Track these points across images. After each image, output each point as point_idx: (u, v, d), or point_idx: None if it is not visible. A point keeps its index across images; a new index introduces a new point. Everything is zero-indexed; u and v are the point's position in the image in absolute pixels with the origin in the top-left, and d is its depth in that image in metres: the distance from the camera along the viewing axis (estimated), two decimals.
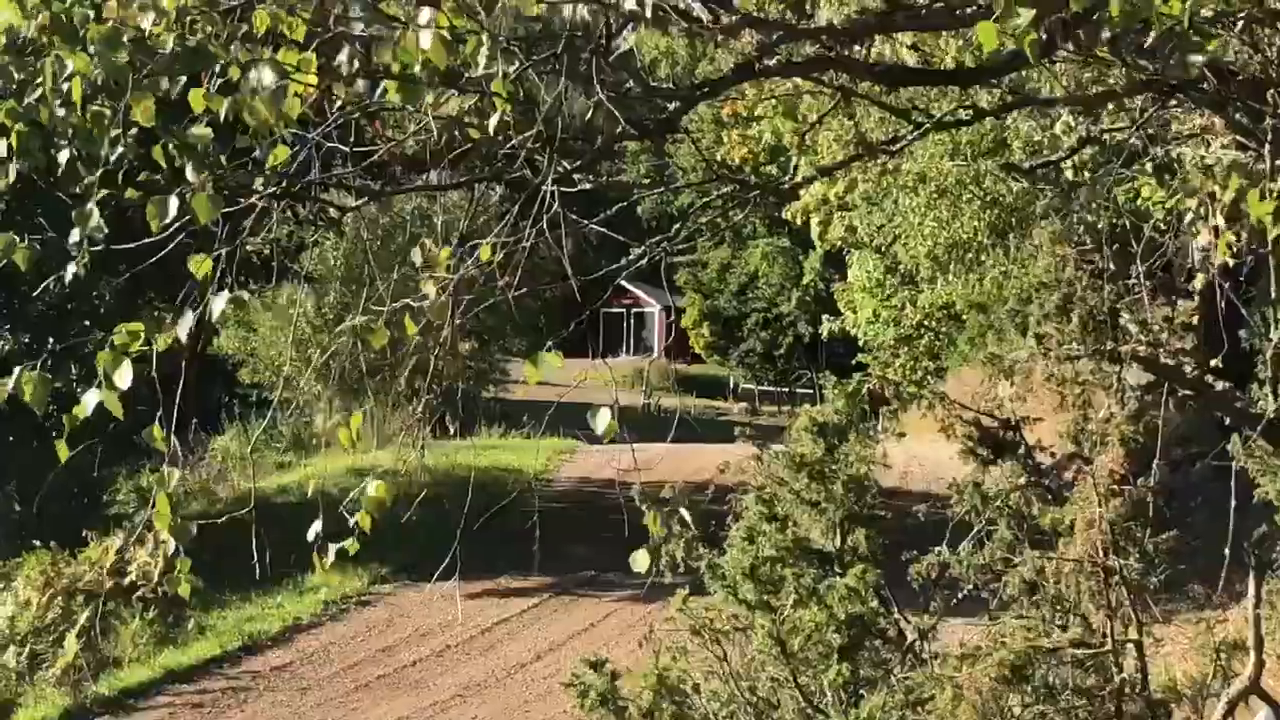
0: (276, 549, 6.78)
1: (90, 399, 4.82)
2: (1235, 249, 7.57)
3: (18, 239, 5.00)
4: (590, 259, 6.77)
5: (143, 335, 4.82)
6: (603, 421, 4.79)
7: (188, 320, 4.86)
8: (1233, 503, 8.15)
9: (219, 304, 4.90)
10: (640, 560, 5.22)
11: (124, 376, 4.81)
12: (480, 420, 38.66)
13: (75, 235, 4.99)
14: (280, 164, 5.21)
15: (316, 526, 5.27)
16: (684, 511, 5.80)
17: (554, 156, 5.19)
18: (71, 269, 5.00)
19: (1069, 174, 9.91)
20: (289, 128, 5.11)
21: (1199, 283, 9.37)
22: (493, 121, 4.93)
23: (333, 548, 5.27)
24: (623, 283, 65.36)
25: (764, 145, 30.59)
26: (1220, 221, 8.07)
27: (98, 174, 4.98)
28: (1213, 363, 8.27)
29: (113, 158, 4.92)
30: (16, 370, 4.94)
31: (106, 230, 5.03)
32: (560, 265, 5.81)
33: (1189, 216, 8.60)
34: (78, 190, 5.02)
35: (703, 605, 8.10)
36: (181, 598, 16.87)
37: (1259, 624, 6.93)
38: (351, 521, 5.23)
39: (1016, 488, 8.40)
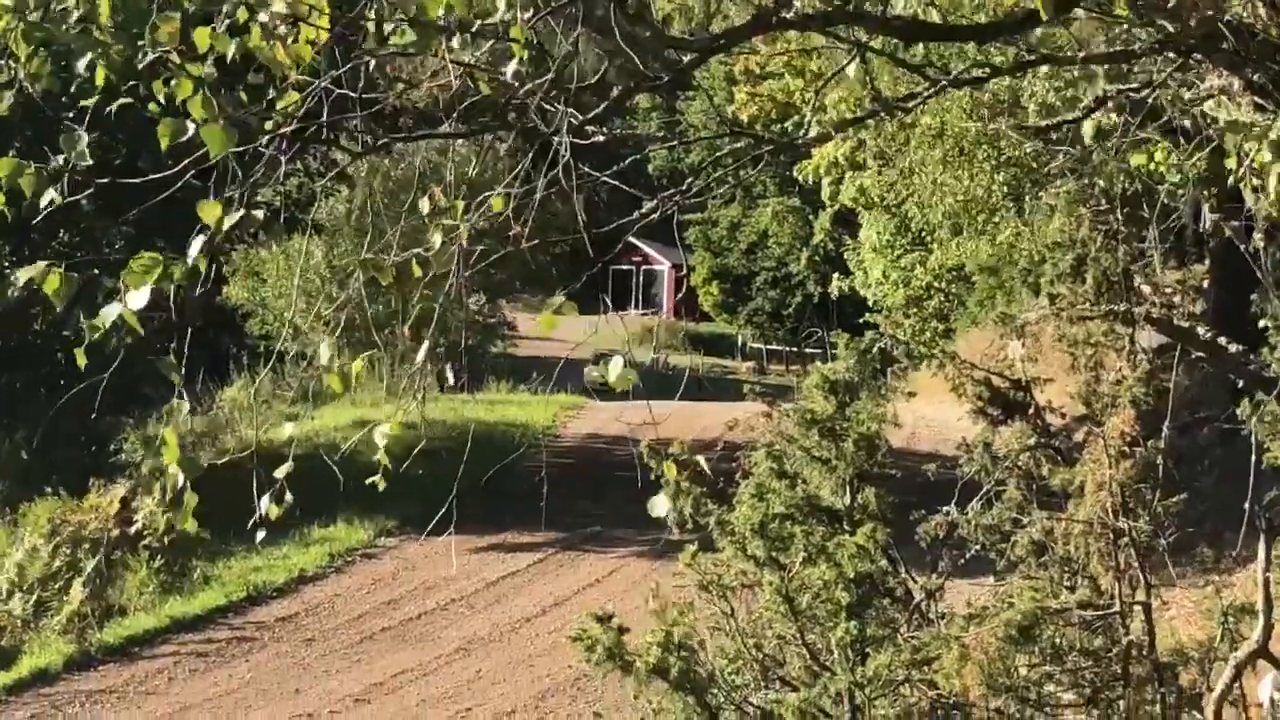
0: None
1: (110, 311, 4.77)
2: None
3: (25, 163, 4.94)
4: (601, 215, 6.73)
5: (161, 264, 4.77)
6: (615, 370, 4.73)
7: (197, 243, 4.81)
8: (1252, 465, 8.16)
9: (195, 247, 4.84)
10: (659, 505, 5.18)
11: (141, 296, 4.76)
12: (488, 375, 38.66)
13: (60, 159, 4.95)
14: (290, 107, 5.16)
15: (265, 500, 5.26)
16: (702, 460, 5.76)
17: (568, 105, 5.14)
18: (50, 194, 4.94)
19: (1086, 135, 9.85)
20: (301, 73, 5.07)
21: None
22: (510, 67, 4.89)
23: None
24: (632, 240, 65.19)
25: (776, 103, 30.55)
26: (1257, 181, 8.02)
27: (95, 98, 4.94)
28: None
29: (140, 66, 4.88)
30: (35, 268, 4.86)
31: (90, 161, 4.99)
32: (570, 220, 5.77)
33: (1231, 179, 8.56)
34: (76, 112, 4.99)
35: (711, 561, 8.07)
36: (188, 547, 16.85)
37: (1268, 587, 6.90)
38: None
39: (1026, 448, 8.38)
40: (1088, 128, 9.69)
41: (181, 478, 5.15)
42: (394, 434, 5.23)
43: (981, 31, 7.25)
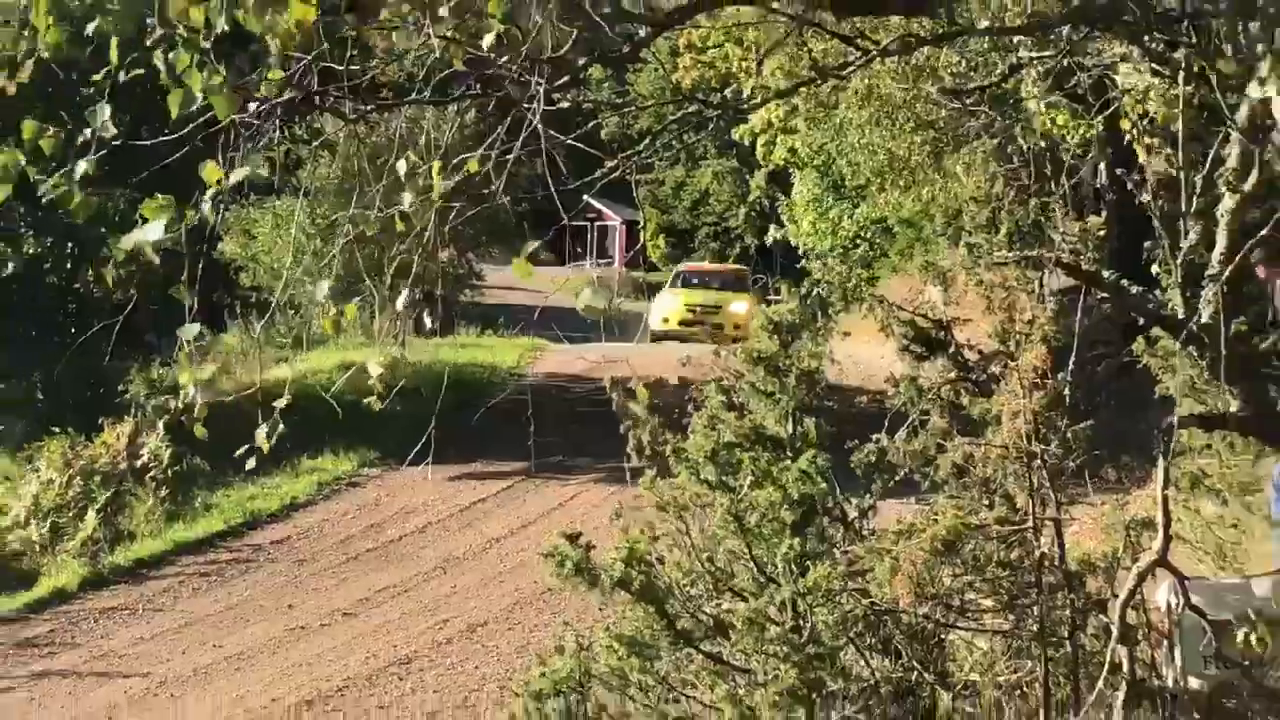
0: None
1: (130, 238, 4.74)
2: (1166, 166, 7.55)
3: (46, 126, 4.89)
4: (560, 176, 6.68)
5: (174, 204, 4.75)
6: (586, 299, 4.74)
7: (209, 196, 4.81)
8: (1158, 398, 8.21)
9: (209, 202, 4.84)
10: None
11: (157, 229, 4.73)
12: (458, 320, 38.59)
13: (86, 133, 4.90)
14: (277, 82, 5.13)
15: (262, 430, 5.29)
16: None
17: (543, 76, 5.11)
18: (82, 166, 4.90)
19: (1028, 100, 9.86)
20: (288, 48, 5.02)
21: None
22: (487, 39, 4.85)
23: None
24: (587, 198, 65.02)
25: (716, 71, 30.43)
26: (1150, 140, 8.05)
27: (112, 66, 4.90)
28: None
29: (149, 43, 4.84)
30: (53, 181, 4.83)
31: (115, 131, 4.95)
32: (529, 181, 5.74)
33: (1125, 136, 8.58)
34: (93, 84, 4.96)
35: (668, 485, 8.08)
36: (190, 477, 16.72)
37: (1166, 504, 6.92)
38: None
39: (948, 381, 8.40)
40: (998, 92, 9.69)
41: (193, 389, 5.16)
42: (386, 363, 5.24)
43: (908, 5, 7.22)
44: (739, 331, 32.52)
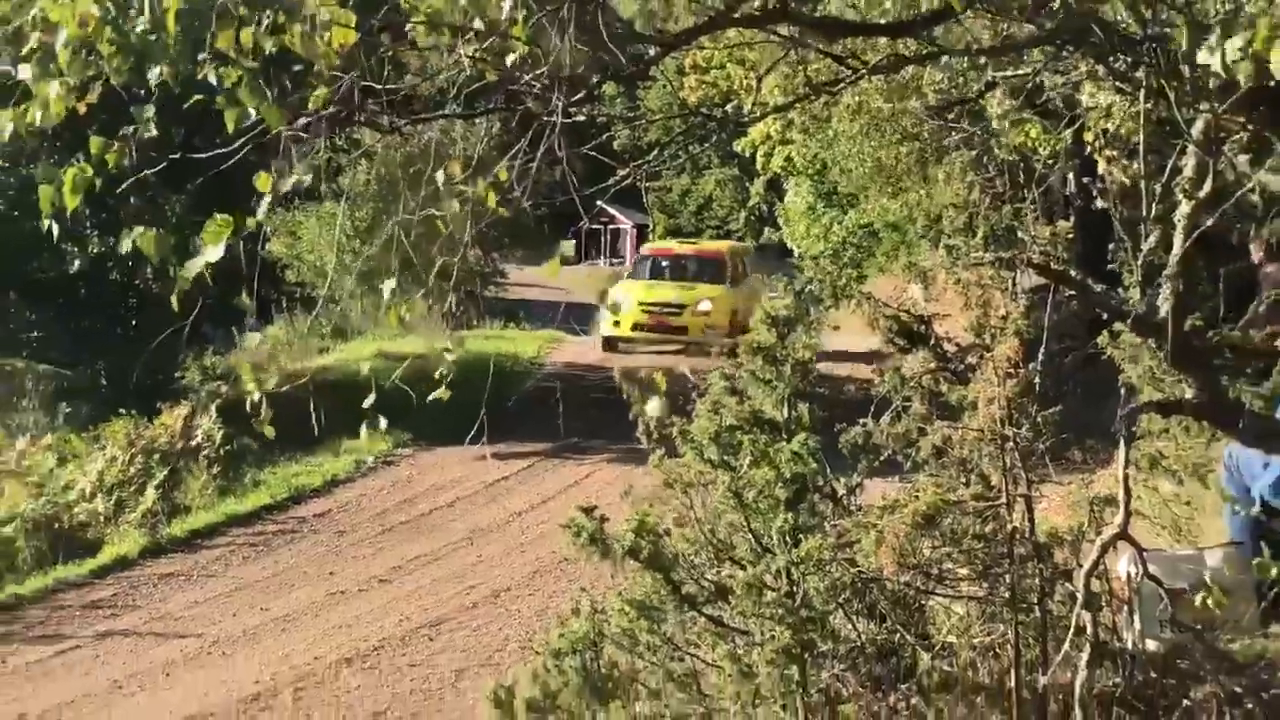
0: (320, 416, 6.75)
1: (194, 264, 4.82)
2: (1127, 174, 7.57)
3: (111, 141, 4.98)
4: (577, 182, 6.69)
5: (231, 225, 4.81)
6: (614, 294, 4.81)
7: (264, 203, 4.87)
8: (1116, 385, 8.21)
9: (264, 206, 4.90)
10: (652, 407, 5.20)
11: (216, 252, 4.80)
12: (483, 314, 38.66)
13: (130, 129, 4.99)
14: (322, 100, 5.19)
15: (370, 400, 5.36)
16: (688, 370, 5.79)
17: (561, 91, 5.14)
18: (147, 112, 4.99)
19: (992, 116, 9.86)
20: (330, 67, 5.09)
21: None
22: (511, 58, 4.88)
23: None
24: (601, 203, 64.99)
25: (719, 89, 30.43)
26: (1110, 152, 8.04)
27: (158, 75, 4.96)
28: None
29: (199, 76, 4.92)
30: (136, 231, 4.94)
31: (155, 131, 5.04)
32: (549, 187, 5.77)
33: (1089, 149, 8.58)
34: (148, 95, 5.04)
35: (675, 464, 8.10)
36: (240, 456, 16.79)
37: (1127, 482, 6.93)
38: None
39: (928, 371, 8.39)
40: (990, 107, 9.70)
41: (258, 394, 5.25)
42: (455, 354, 5.34)
43: (893, 28, 7.23)
44: (708, 335, 27.74)
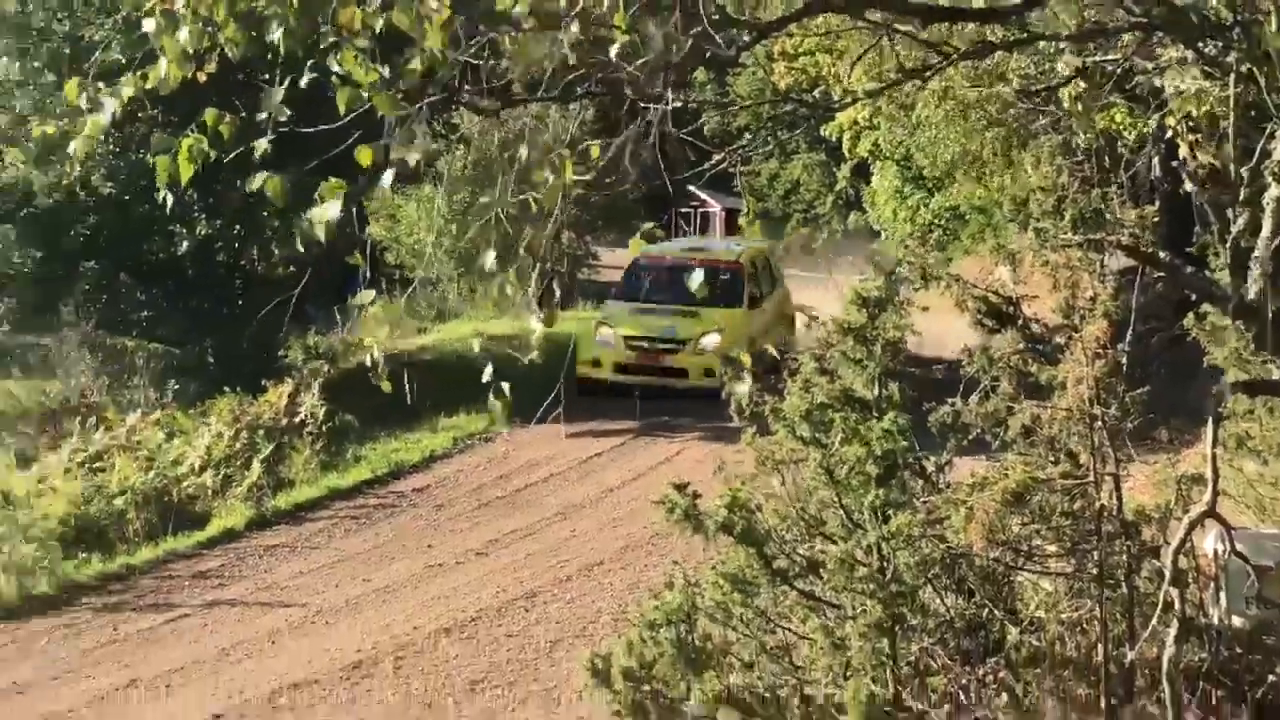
0: (419, 394, 6.80)
1: (315, 213, 4.87)
2: (1213, 160, 7.50)
3: (225, 114, 5.04)
4: (670, 166, 6.73)
5: (344, 185, 4.88)
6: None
7: (388, 175, 4.93)
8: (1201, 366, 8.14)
9: (388, 177, 4.95)
10: (739, 389, 5.23)
11: (335, 207, 4.86)
12: (576, 295, 38.79)
13: (262, 114, 5.04)
14: (412, 75, 5.20)
15: (488, 371, 5.43)
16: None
17: (668, 80, 5.17)
18: (263, 143, 5.04)
19: (1065, 100, 9.77)
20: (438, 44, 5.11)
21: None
22: (614, 49, 4.92)
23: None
24: (692, 187, 64.92)
25: (808, 75, 30.32)
26: (1193, 137, 7.96)
27: (281, 57, 5.03)
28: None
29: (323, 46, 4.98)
30: (260, 176, 5.00)
31: (289, 112, 5.07)
32: (644, 169, 5.80)
33: (1169, 133, 8.50)
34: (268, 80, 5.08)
35: (766, 442, 8.12)
36: (343, 432, 16.91)
37: (1215, 461, 6.90)
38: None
39: (1017, 351, 8.35)
40: (1065, 93, 9.62)
41: (378, 350, 5.35)
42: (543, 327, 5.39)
43: (983, 14, 7.20)
44: (709, 380, 21.63)
